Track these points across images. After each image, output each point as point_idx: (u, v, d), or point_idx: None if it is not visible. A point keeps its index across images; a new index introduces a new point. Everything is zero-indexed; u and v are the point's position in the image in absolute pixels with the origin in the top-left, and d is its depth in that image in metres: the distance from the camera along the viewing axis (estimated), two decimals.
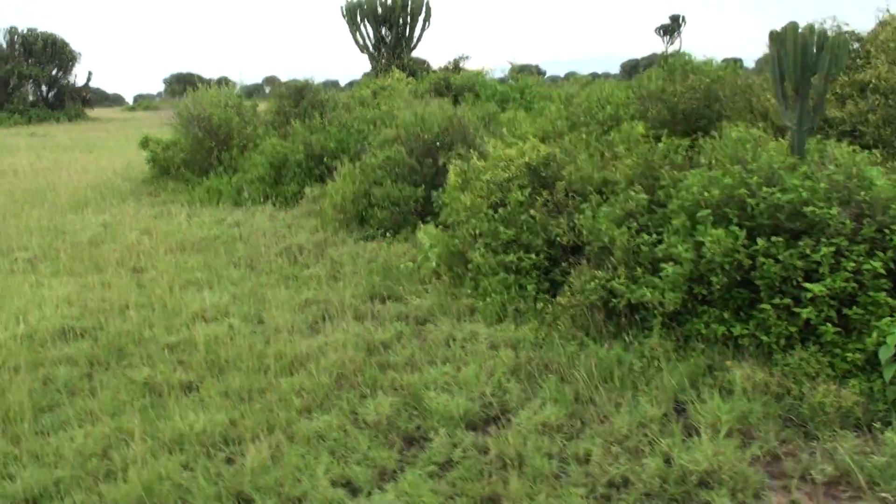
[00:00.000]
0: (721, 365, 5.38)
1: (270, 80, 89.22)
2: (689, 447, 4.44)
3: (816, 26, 6.05)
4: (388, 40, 26.78)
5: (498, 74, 19.50)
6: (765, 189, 5.57)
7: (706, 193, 5.71)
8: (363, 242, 10.07)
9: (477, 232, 7.16)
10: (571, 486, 4.25)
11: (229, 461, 4.69)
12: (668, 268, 5.55)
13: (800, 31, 5.87)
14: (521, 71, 22.66)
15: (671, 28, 68.47)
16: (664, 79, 8.69)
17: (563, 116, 8.41)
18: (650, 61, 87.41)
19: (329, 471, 4.47)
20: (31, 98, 65.06)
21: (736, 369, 5.17)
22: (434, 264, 8.20)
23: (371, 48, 27.06)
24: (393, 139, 10.98)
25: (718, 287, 5.53)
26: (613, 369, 5.46)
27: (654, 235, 6.00)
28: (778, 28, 6.25)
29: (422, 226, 9.71)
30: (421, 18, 27.18)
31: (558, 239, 6.71)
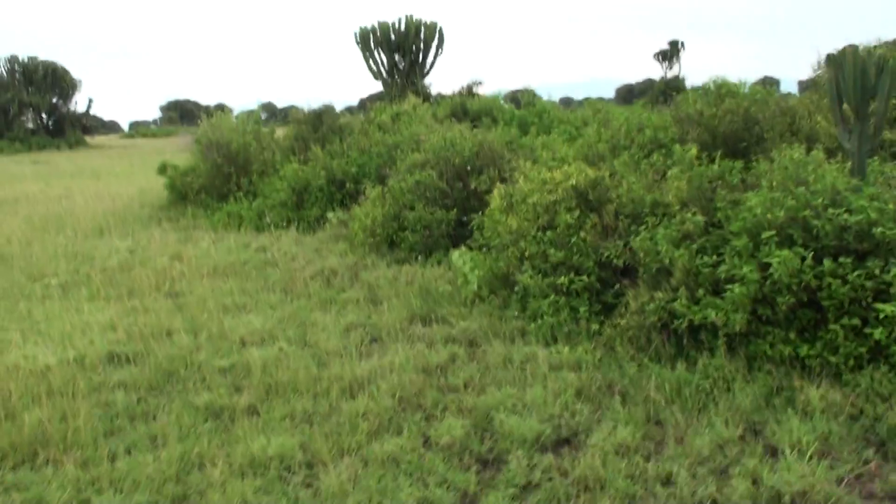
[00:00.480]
0: (789, 385, 5.36)
1: (267, 107, 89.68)
2: (775, 469, 4.40)
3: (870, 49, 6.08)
4: (401, 66, 26.90)
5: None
6: (830, 210, 5.58)
7: (769, 215, 5.71)
8: (396, 266, 10.04)
9: (526, 254, 7.14)
10: None
11: (306, 485, 4.63)
12: (735, 288, 5.53)
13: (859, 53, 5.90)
14: (522, 97, 22.76)
15: (670, 53, 69.00)
16: (702, 102, 8.72)
17: (602, 140, 8.43)
18: (645, 86, 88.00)
19: (411, 494, 4.41)
20: (31, 126, 65.10)
21: (809, 390, 5.14)
22: (475, 287, 8.18)
23: (385, 74, 27.20)
24: (422, 163, 10.98)
25: (784, 308, 5.51)
26: (681, 390, 5.43)
27: (714, 257, 5.98)
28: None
29: (456, 249, 9.71)
30: (434, 45, 27.37)
31: (613, 261, 6.69)
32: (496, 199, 7.74)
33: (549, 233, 7.22)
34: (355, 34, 27.56)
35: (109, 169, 33.19)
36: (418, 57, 27.06)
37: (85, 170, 32.93)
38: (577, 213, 7.12)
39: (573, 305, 6.85)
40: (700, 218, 6.22)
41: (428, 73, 27.32)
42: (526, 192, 7.50)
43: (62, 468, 4.88)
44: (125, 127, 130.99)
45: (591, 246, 6.95)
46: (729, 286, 5.64)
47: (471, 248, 9.65)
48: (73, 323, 8.07)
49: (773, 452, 4.68)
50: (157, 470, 4.77)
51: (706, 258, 5.97)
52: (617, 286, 6.89)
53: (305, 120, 16.57)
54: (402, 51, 26.87)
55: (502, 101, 18.62)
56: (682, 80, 60.84)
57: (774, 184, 6.03)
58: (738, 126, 8.42)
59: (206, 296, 8.96)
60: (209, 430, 5.34)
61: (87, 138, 67.95)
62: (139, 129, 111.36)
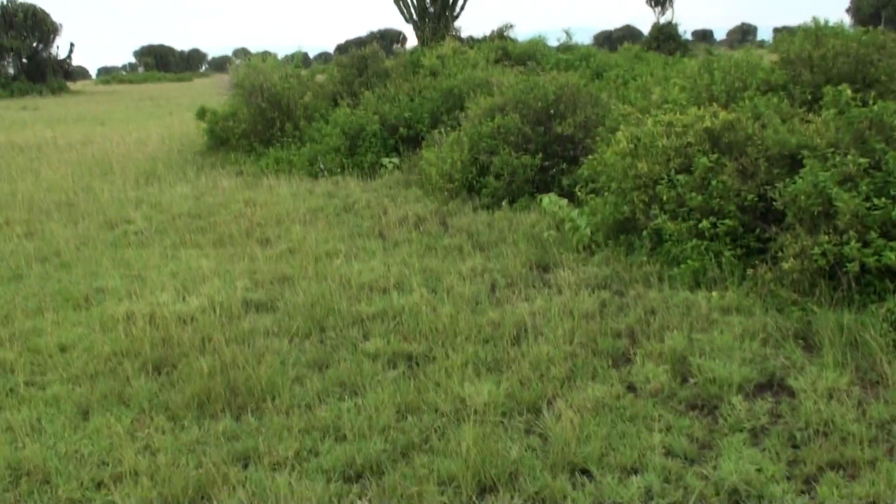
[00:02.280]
0: None
1: (240, 53, 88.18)
2: None
3: None
4: (431, 10, 26.31)
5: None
6: None
7: None
8: (483, 212, 9.87)
9: (665, 198, 7.01)
10: None
11: (531, 432, 4.55)
12: None
13: None
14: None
15: None
16: (810, 43, 8.56)
17: (717, 82, 8.28)
18: (624, 33, 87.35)
19: (647, 440, 4.34)
20: (11, 71, 63.62)
21: None
22: (588, 232, 8.06)
23: (415, 17, 26.61)
24: (501, 107, 10.78)
25: None
26: (867, 334, 5.36)
27: (883, 199, 5.89)
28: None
29: (543, 195, 9.55)
30: None
31: (769, 203, 6.58)
32: (622, 141, 7.57)
33: (682, 176, 7.09)
34: None
35: (109, 115, 32.58)
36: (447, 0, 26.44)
37: (85, 116, 32.29)
38: (715, 155, 6.98)
39: (715, 250, 6.76)
40: (864, 160, 6.12)
41: (458, 16, 26.83)
42: (655, 135, 7.35)
43: (266, 417, 4.76)
44: (93, 73, 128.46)
45: (732, 189, 6.83)
46: None
47: (561, 194, 9.54)
48: (179, 270, 7.88)
49: None
50: (369, 417, 4.66)
51: (875, 200, 5.88)
52: (758, 230, 6.80)
53: (350, 63, 16.21)
54: None
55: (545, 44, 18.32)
56: (676, 25, 60.28)
57: None
58: (851, 68, 8.29)
59: (302, 242, 8.77)
60: (396, 378, 5.22)
61: (69, 84, 66.64)
62: (114, 75, 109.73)
